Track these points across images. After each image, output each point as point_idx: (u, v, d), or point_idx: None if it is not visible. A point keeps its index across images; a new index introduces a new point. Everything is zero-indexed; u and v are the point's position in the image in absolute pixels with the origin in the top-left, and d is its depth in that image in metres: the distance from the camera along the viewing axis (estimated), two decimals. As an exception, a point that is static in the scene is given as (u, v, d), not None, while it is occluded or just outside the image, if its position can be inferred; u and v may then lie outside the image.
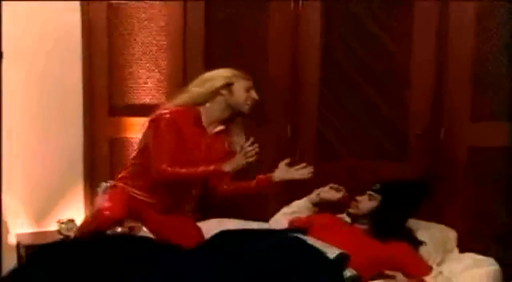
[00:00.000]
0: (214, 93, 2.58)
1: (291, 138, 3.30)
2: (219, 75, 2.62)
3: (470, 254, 2.76)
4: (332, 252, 2.13)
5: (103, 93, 3.59)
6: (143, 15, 3.54)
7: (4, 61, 3.16)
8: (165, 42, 3.53)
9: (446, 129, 3.00)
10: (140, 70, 3.57)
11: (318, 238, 2.32)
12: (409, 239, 2.54)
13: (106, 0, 3.52)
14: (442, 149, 3.01)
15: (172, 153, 2.50)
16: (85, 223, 2.77)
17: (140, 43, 3.56)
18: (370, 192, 2.59)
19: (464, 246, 2.85)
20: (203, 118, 2.62)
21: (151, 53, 3.56)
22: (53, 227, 3.41)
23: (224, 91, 2.58)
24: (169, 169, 2.46)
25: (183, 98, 2.62)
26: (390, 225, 2.52)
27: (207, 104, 2.61)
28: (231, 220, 3.08)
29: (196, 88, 2.63)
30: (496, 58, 2.92)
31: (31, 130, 3.41)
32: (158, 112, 2.58)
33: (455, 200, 2.98)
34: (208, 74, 2.65)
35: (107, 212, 2.50)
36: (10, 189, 3.34)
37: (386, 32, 3.12)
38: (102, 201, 2.62)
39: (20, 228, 3.43)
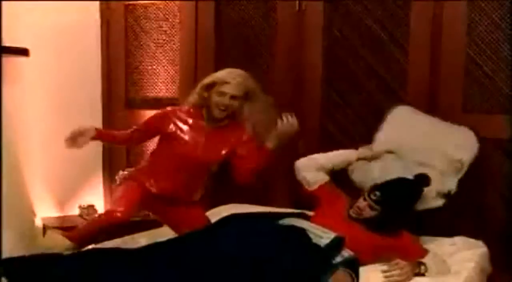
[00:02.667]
0: (200, 96, 2.70)
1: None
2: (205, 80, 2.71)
3: (461, 237, 2.80)
4: (327, 237, 2.16)
5: (120, 87, 3.73)
6: (157, 15, 3.65)
7: (29, 57, 3.31)
8: (178, 40, 3.62)
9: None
10: (154, 66, 3.69)
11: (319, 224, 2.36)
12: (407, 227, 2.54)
13: (123, 1, 3.65)
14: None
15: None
16: (97, 219, 2.82)
17: (155, 41, 3.67)
18: (371, 203, 2.51)
19: (456, 234, 2.85)
20: (206, 116, 2.73)
21: (165, 50, 3.66)
22: (75, 211, 3.58)
23: (206, 94, 2.68)
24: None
25: (189, 99, 2.78)
26: (388, 225, 2.50)
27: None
28: (245, 205, 3.16)
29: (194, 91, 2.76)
30: (487, 54, 2.97)
31: (54, 122, 3.51)
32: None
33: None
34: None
35: (119, 214, 2.54)
36: (36, 176, 3.48)
37: (384, 31, 3.17)
38: (116, 198, 2.70)
39: (45, 212, 3.58)
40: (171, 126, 2.71)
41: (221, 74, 2.70)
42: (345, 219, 2.55)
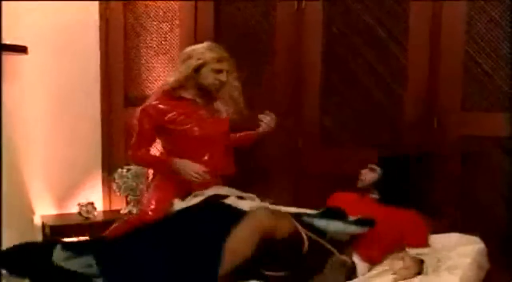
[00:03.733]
0: (187, 78, 2.69)
1: (294, 127, 3.36)
2: (191, 59, 2.69)
3: (457, 233, 2.76)
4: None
5: (119, 85, 3.73)
6: (157, 13, 3.66)
7: (28, 55, 3.32)
8: (177, 39, 3.62)
9: (438, 119, 3.07)
10: (153, 65, 3.69)
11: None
12: (420, 207, 2.59)
13: (123, 0, 3.66)
14: (435, 137, 3.08)
15: (142, 141, 2.71)
16: (130, 219, 2.85)
17: (154, 40, 3.68)
18: (371, 165, 2.70)
19: (454, 231, 2.82)
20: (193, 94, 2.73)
21: (164, 49, 3.67)
22: (74, 209, 3.57)
23: (195, 75, 2.69)
24: (133, 153, 2.73)
25: (171, 82, 2.75)
26: (395, 192, 2.62)
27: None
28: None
29: (176, 73, 2.76)
30: (486, 52, 2.98)
31: (54, 119, 3.53)
32: (145, 103, 2.78)
33: (445, 184, 3.03)
34: (185, 54, 2.76)
35: (150, 213, 2.66)
36: (35, 174, 3.49)
37: (383, 29, 3.18)
38: (148, 197, 2.77)
39: (44, 210, 3.57)
40: (168, 116, 2.70)
41: (208, 53, 2.69)
42: (358, 199, 2.70)
